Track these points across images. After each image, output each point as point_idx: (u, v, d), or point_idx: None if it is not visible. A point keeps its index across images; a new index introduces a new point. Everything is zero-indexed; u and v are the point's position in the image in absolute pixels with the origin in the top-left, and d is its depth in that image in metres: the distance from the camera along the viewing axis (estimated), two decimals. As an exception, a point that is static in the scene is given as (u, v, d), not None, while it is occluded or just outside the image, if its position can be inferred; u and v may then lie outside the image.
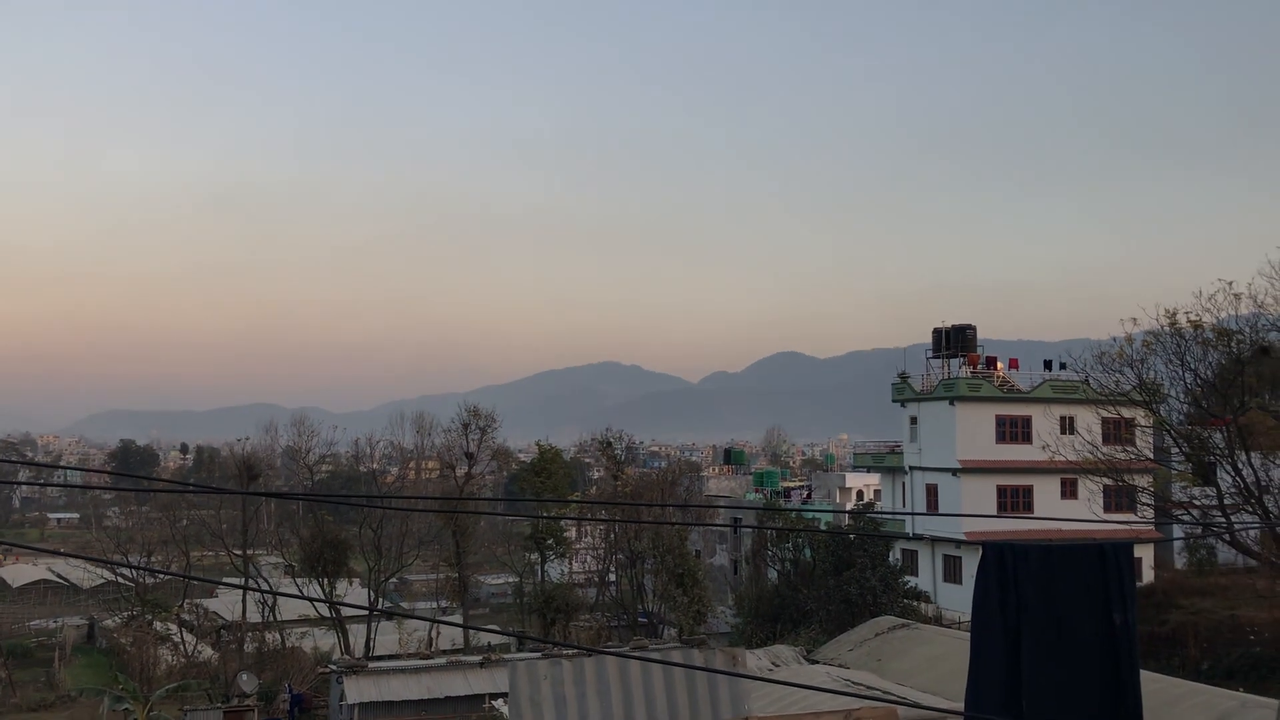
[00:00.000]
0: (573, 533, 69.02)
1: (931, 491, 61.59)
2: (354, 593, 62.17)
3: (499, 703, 31.92)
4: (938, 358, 63.26)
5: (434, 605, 64.65)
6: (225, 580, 61.94)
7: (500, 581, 76.84)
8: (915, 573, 58.50)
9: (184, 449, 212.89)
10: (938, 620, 43.27)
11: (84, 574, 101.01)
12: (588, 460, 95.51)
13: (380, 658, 47.06)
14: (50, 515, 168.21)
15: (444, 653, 48.33)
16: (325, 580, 55.86)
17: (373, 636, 56.12)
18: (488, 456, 68.81)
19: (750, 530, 59.82)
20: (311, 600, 56.57)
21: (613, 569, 64.08)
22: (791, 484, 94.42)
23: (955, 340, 62.06)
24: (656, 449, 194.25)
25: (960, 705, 6.54)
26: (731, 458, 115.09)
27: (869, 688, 10.06)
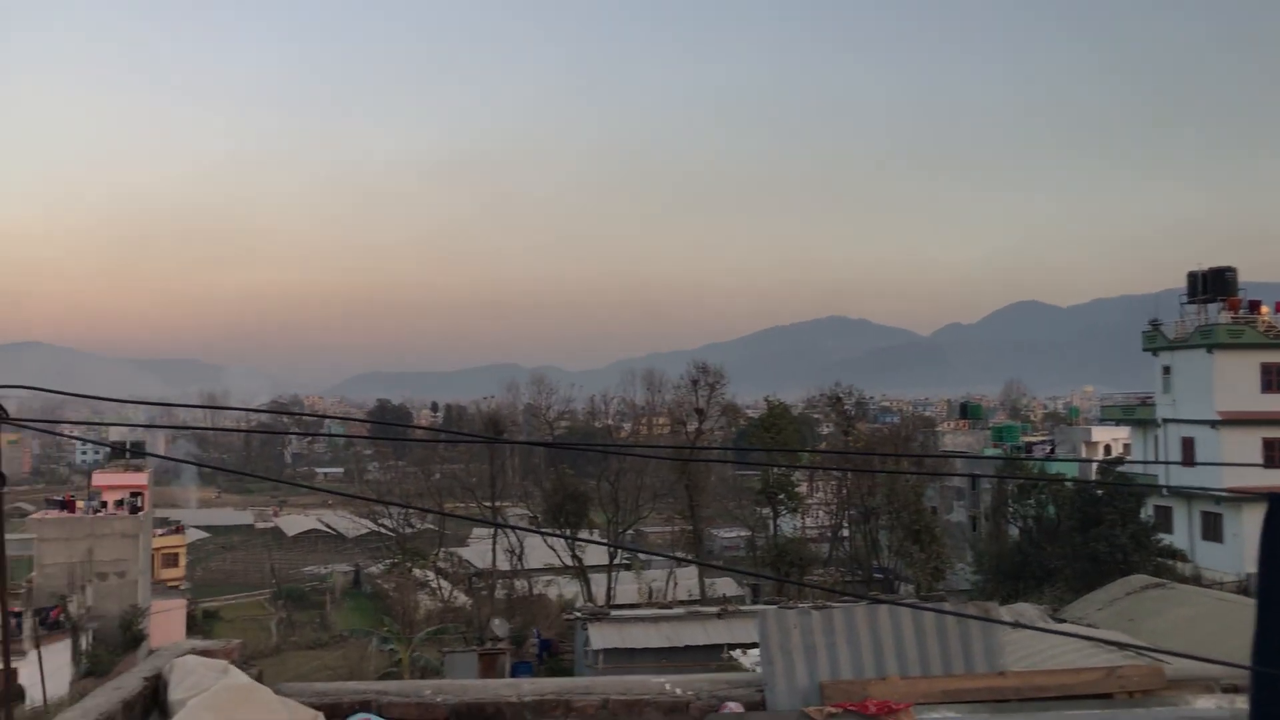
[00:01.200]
0: (804, 487, 68.99)
1: (1187, 445, 57.87)
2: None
3: (737, 653, 32.57)
4: (1193, 303, 59.13)
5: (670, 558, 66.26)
6: (520, 525, 65.21)
7: (733, 535, 77.81)
8: (1169, 530, 55.30)
9: (434, 408, 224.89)
10: (1196, 580, 40.94)
11: (349, 524, 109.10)
12: (816, 416, 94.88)
13: (621, 606, 48.71)
14: (317, 470, 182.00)
15: (681, 604, 49.58)
16: (567, 532, 58.16)
17: (613, 586, 58.08)
18: (717, 412, 69.54)
19: (990, 486, 58.11)
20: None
21: (845, 524, 63.74)
22: (1033, 438, 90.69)
23: (1213, 284, 57.80)
24: (887, 403, 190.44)
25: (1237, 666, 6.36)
26: (968, 412, 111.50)
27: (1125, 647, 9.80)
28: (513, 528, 58.22)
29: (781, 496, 61.73)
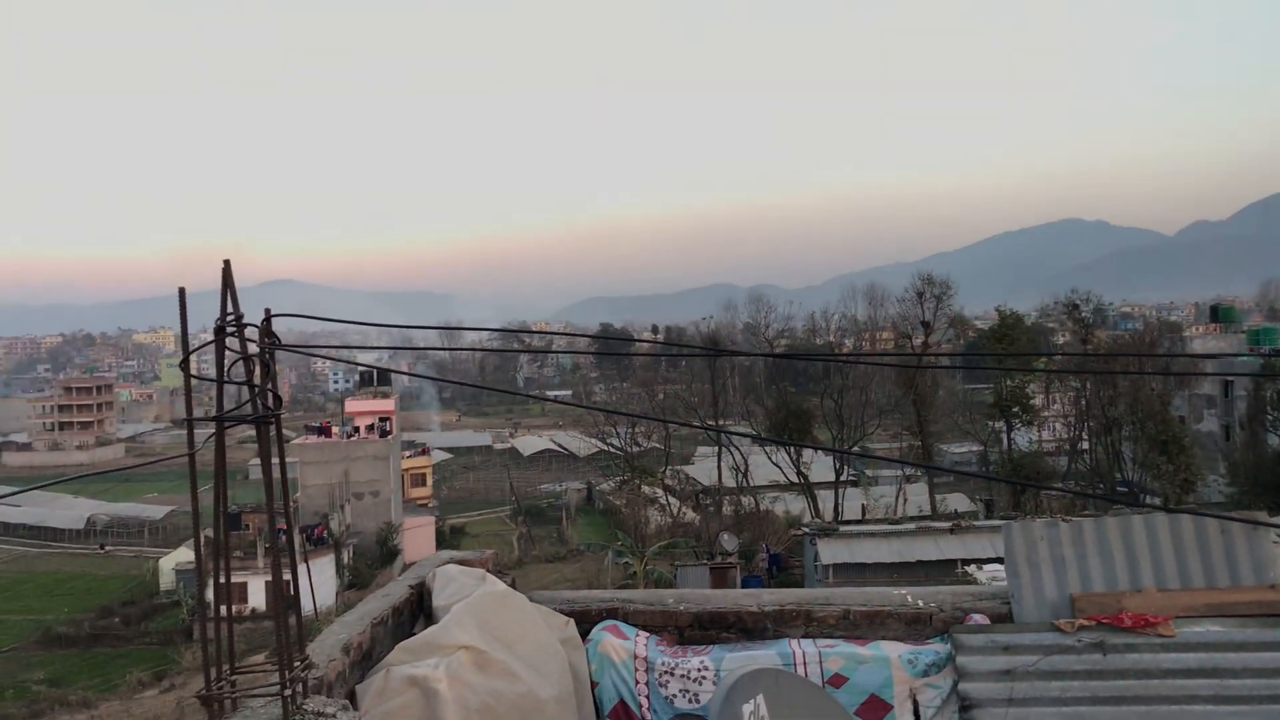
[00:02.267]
0: (1039, 399, 66.25)
1: None
2: (820, 460, 64.19)
3: (971, 568, 31.93)
4: None
5: (898, 473, 65.30)
6: (737, 431, 66.14)
7: (964, 450, 75.82)
8: None
9: (655, 329, 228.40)
10: None
11: (580, 444, 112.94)
12: (1051, 325, 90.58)
13: (849, 522, 48.54)
14: (548, 392, 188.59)
15: (911, 519, 48.94)
16: (791, 449, 58.12)
17: (840, 502, 57.88)
18: (944, 325, 67.47)
19: (1246, 392, 54.14)
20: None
21: (1085, 436, 60.93)
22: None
23: None
24: (1128, 310, 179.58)
25: None
26: (1219, 315, 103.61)
27: None
28: (778, 441, 58.40)
29: (1015, 409, 59.54)
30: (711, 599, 6.22)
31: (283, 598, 3.82)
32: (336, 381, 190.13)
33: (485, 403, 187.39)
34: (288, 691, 3.71)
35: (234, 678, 3.90)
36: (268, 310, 3.98)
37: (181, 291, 3.89)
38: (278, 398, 3.90)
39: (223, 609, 3.99)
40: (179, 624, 57.25)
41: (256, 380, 3.82)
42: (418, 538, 68.05)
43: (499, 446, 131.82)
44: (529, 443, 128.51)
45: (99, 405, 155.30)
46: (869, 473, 71.04)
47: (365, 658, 4.90)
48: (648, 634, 5.98)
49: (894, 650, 5.77)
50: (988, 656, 5.72)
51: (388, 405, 75.58)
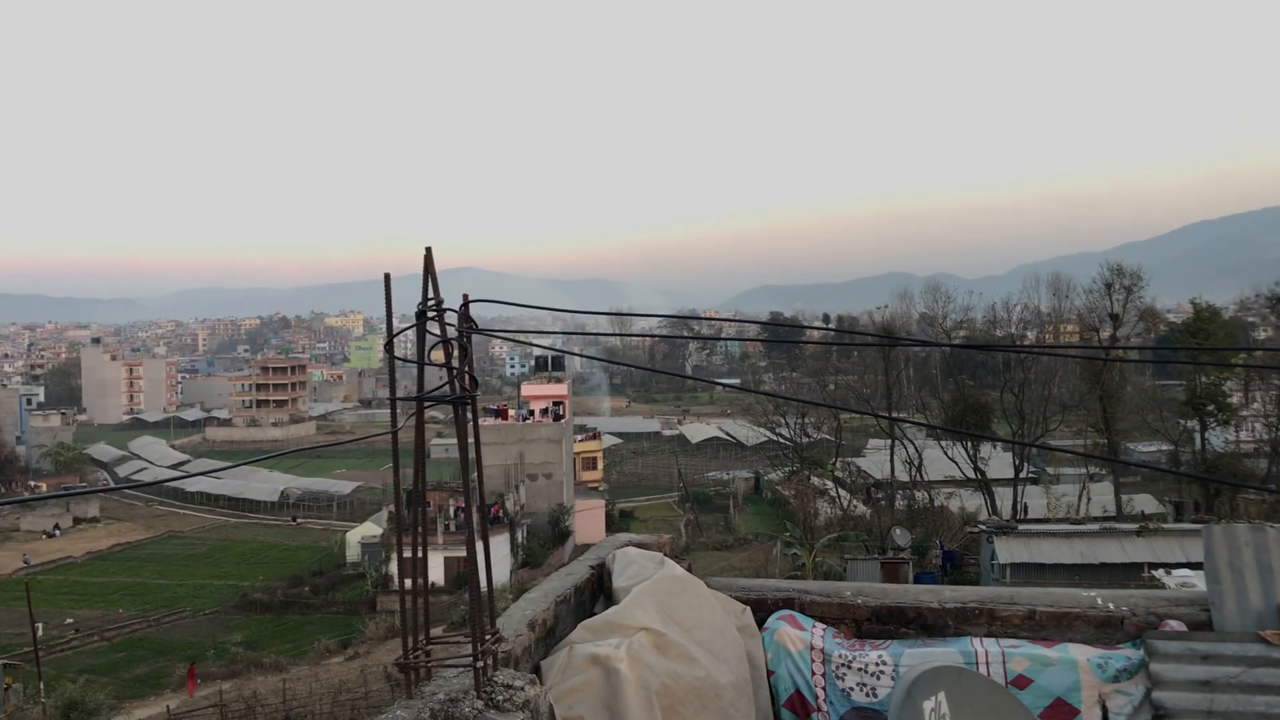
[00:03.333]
0: (1237, 397, 62.40)
1: None
2: (998, 456, 62.27)
3: (1160, 572, 30.41)
4: None
5: (1081, 471, 62.66)
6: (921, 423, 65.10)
7: (1153, 449, 72.14)
8: None
9: (825, 319, 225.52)
10: None
11: (748, 433, 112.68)
12: (1251, 319, 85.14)
13: (1028, 521, 46.91)
14: (717, 381, 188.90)
15: (1094, 519, 46.94)
16: (968, 444, 56.55)
17: (1019, 500, 55.99)
18: (1133, 318, 64.26)
19: None
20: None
21: (1289, 438, 57.10)
22: None
23: None
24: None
25: None
26: None
27: None
28: (958, 432, 57.21)
29: (1210, 407, 56.25)
30: (890, 593, 6.14)
31: (476, 573, 3.98)
32: (513, 366, 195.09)
33: (654, 390, 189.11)
34: (480, 663, 3.86)
35: (429, 647, 4.08)
36: (465, 296, 4.14)
37: (386, 278, 4.08)
38: (474, 379, 4.06)
39: (410, 582, 4.17)
40: (363, 595, 60.04)
41: (455, 362, 3.98)
42: (588, 520, 69.31)
43: (667, 433, 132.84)
44: (697, 430, 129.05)
45: (293, 385, 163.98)
46: (1050, 470, 68.40)
47: (549, 634, 5.05)
48: (824, 625, 5.95)
49: (1082, 654, 5.57)
50: (1185, 665, 5.46)
51: (561, 390, 77.15)
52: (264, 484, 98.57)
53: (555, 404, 74.41)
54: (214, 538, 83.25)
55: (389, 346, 4.03)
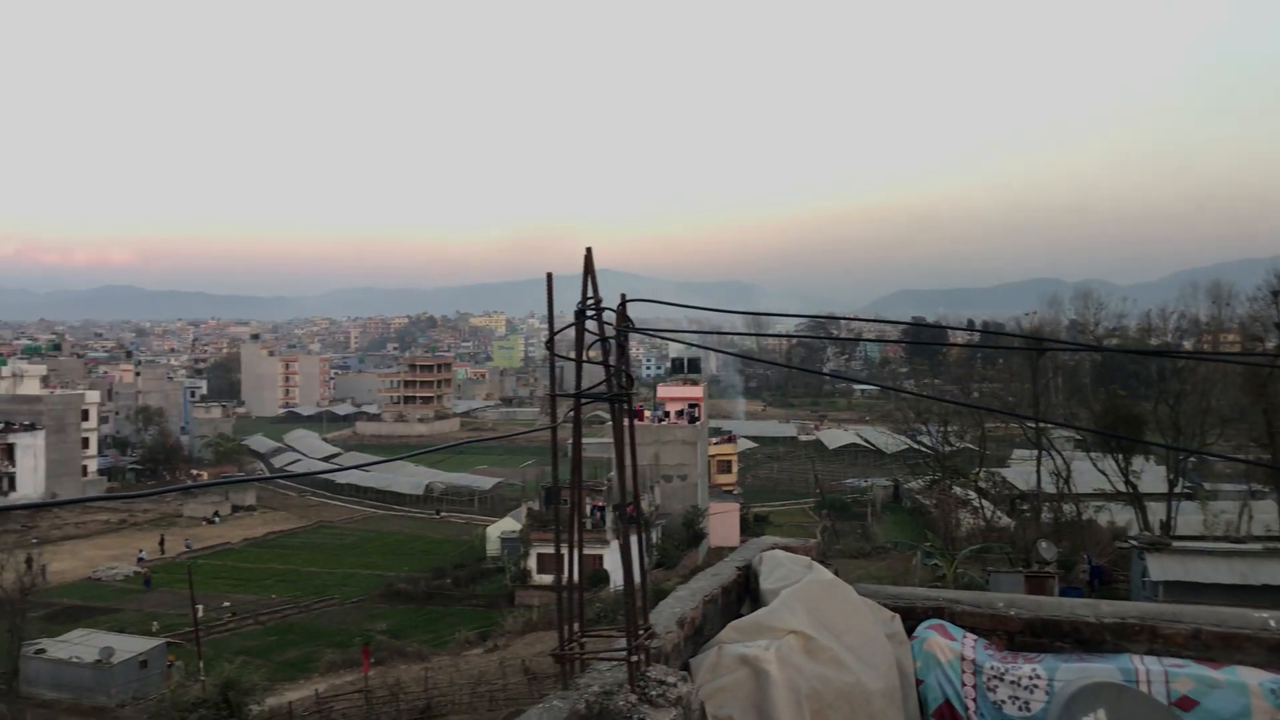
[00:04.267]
0: None
1: None
2: (1150, 470, 59.70)
3: (1331, 599, 28.66)
4: None
5: (1242, 488, 59.49)
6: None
7: (1323, 467, 67.97)
8: None
9: (970, 324, 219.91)
10: None
11: (887, 440, 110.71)
12: None
13: (1182, 538, 44.82)
14: (855, 387, 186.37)
15: (1257, 539, 44.62)
16: (1119, 456, 54.40)
17: (1173, 515, 53.55)
18: (1305, 327, 60.67)
19: None
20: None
21: None
22: None
23: None
24: None
25: None
26: None
27: None
28: (1111, 434, 55.18)
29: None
30: (1044, 606, 5.97)
31: (631, 569, 4.04)
32: (648, 368, 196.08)
33: (790, 394, 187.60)
34: (635, 657, 3.92)
35: (583, 640, 4.17)
36: (623, 295, 4.21)
37: (549, 277, 4.19)
38: (630, 377, 4.13)
39: (565, 576, 4.25)
40: (502, 589, 61.29)
41: (613, 361, 4.06)
42: (722, 523, 69.26)
43: (804, 438, 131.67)
44: (834, 436, 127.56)
45: (438, 382, 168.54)
46: (1207, 486, 65.15)
47: (696, 633, 5.09)
48: (975, 636, 5.82)
49: (1253, 677, 5.31)
50: (1368, 695, 5.15)
51: (697, 392, 77.29)
52: (409, 478, 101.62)
53: (690, 406, 74.56)
54: (361, 529, 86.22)
55: (550, 344, 4.13)
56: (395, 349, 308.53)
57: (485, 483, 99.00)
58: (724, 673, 4.65)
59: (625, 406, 4.09)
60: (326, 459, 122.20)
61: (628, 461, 4.12)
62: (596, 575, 59.84)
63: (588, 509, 63.67)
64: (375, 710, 35.72)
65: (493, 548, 69.73)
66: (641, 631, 4.04)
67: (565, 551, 4.14)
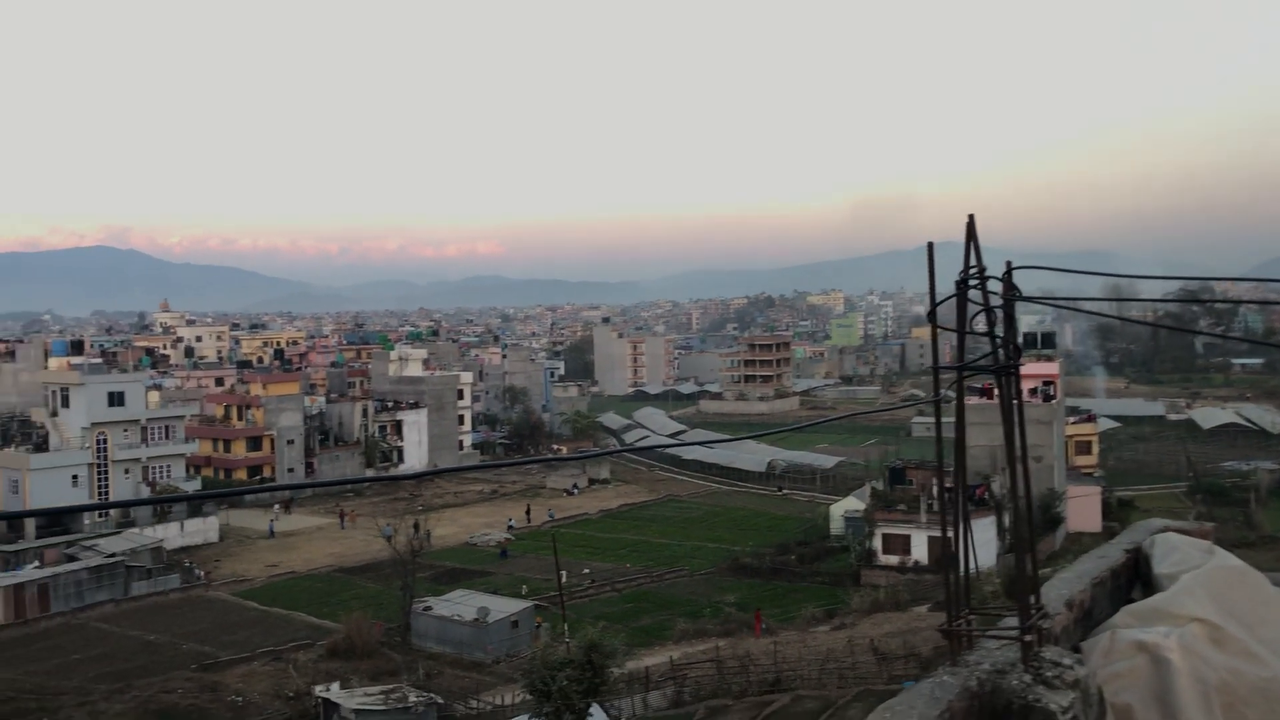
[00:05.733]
0: None
1: None
2: None
3: None
4: None
5: None
6: None
7: None
8: None
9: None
10: None
11: (1275, 419, 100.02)
12: None
13: None
14: (1234, 361, 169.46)
15: None
16: None
17: None
18: None
19: None
20: None
21: None
22: None
23: None
24: None
25: None
26: None
27: None
28: None
29: None
30: None
31: (1026, 548, 3.91)
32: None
33: (1158, 370, 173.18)
34: (1028, 637, 3.81)
35: (970, 617, 4.09)
36: (1009, 263, 4.07)
37: (930, 246, 4.12)
38: (1018, 348, 3.98)
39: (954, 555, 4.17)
40: (847, 568, 61.01)
41: (999, 332, 3.93)
42: (1081, 507, 65.25)
43: (1173, 417, 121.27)
44: (1209, 415, 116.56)
45: (777, 361, 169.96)
46: None
47: (1085, 616, 4.86)
48: None
49: None
50: None
51: (1051, 369, 73.09)
52: (752, 455, 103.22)
53: (1045, 384, 70.62)
54: (708, 504, 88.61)
55: (931, 315, 4.07)
56: (734, 329, 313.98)
57: (827, 461, 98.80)
58: (1119, 658, 4.41)
59: (1013, 379, 3.96)
60: (673, 435, 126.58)
61: (1025, 437, 3.98)
62: (945, 556, 58.16)
63: (934, 489, 62.09)
64: (726, 680, 36.67)
65: (836, 526, 69.50)
66: (1034, 611, 3.91)
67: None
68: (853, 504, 69.17)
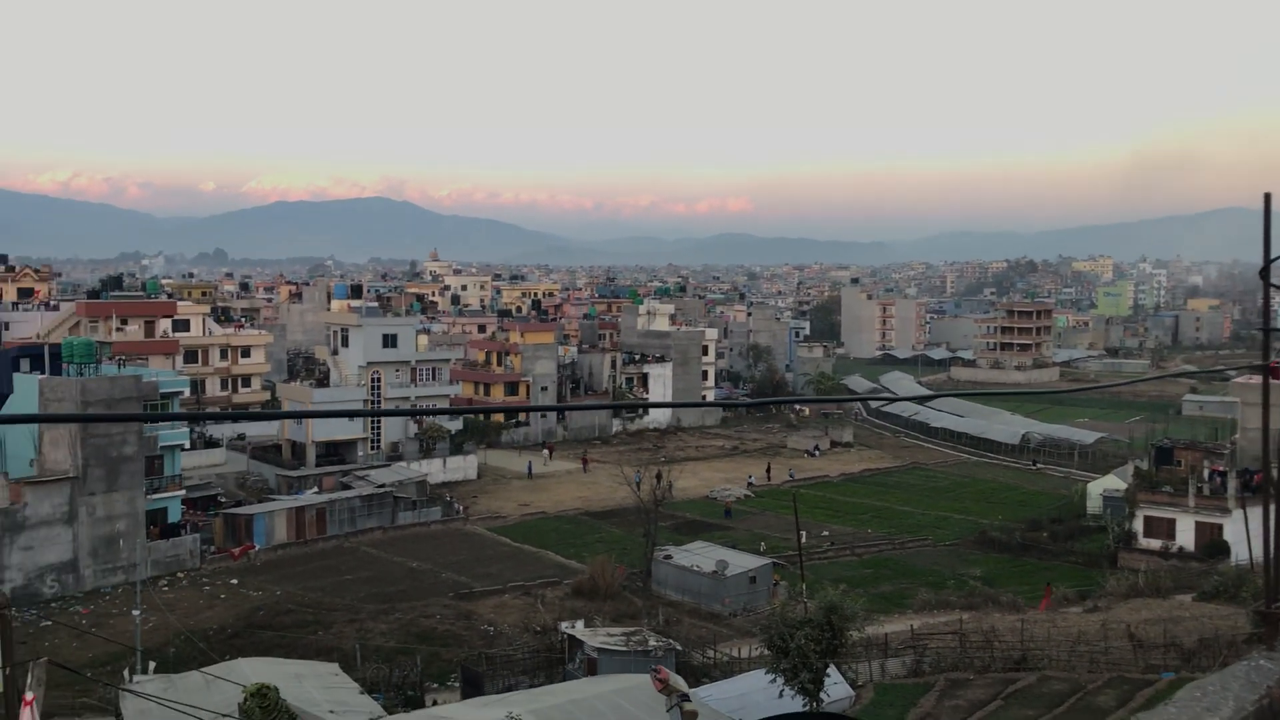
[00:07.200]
0: None
1: None
2: None
3: None
4: None
5: None
6: None
7: None
8: None
9: None
10: None
11: None
12: None
13: None
14: None
15: None
16: None
17: None
18: None
19: None
20: None
21: None
22: None
23: None
24: None
25: None
26: None
27: None
28: None
29: None
30: None
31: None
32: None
33: None
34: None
35: (1290, 601, 3.77)
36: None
37: (1266, 198, 3.79)
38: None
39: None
40: (1103, 549, 57.91)
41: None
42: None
43: None
44: None
45: (1037, 329, 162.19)
46: None
47: None
48: None
49: None
50: None
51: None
52: (1005, 426, 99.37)
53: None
54: (955, 474, 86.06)
55: (1264, 273, 3.74)
56: (992, 294, 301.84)
57: (1086, 436, 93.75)
58: None
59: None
60: (922, 403, 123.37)
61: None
62: (1214, 546, 54.25)
63: (1205, 473, 57.77)
64: (968, 654, 35.67)
65: (1094, 505, 66.01)
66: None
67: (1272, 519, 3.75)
68: (1113, 483, 65.45)
